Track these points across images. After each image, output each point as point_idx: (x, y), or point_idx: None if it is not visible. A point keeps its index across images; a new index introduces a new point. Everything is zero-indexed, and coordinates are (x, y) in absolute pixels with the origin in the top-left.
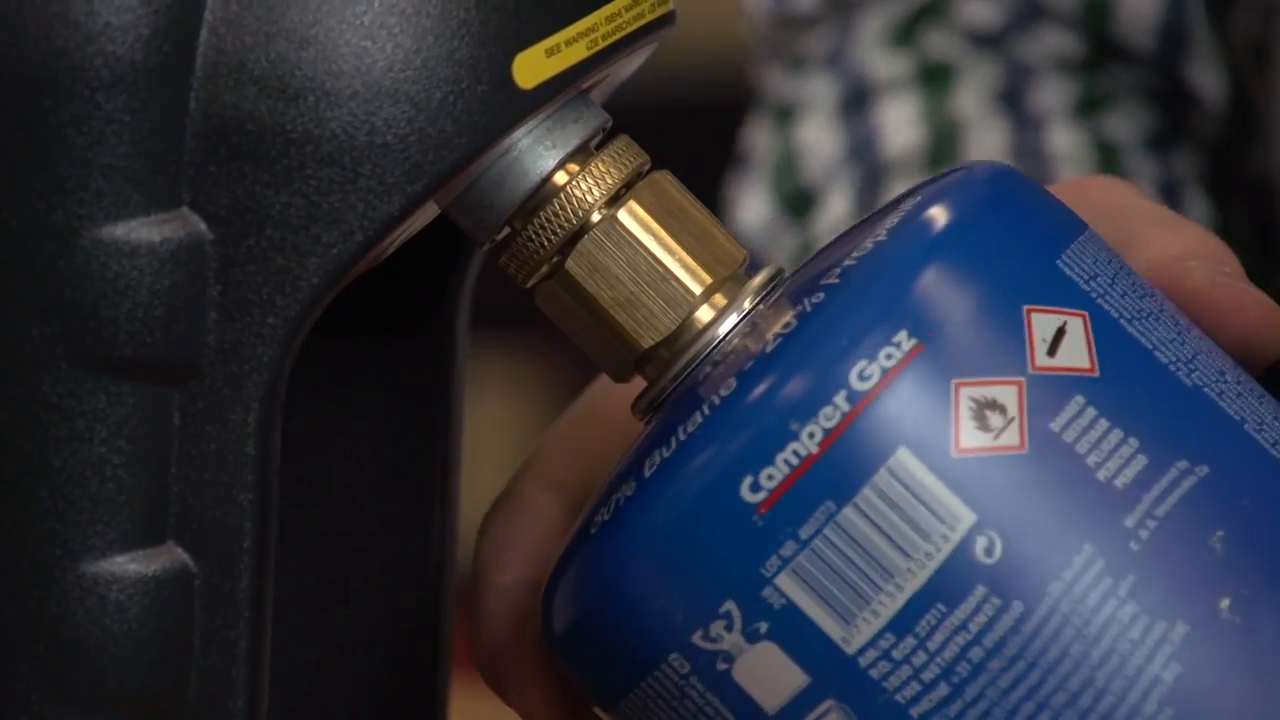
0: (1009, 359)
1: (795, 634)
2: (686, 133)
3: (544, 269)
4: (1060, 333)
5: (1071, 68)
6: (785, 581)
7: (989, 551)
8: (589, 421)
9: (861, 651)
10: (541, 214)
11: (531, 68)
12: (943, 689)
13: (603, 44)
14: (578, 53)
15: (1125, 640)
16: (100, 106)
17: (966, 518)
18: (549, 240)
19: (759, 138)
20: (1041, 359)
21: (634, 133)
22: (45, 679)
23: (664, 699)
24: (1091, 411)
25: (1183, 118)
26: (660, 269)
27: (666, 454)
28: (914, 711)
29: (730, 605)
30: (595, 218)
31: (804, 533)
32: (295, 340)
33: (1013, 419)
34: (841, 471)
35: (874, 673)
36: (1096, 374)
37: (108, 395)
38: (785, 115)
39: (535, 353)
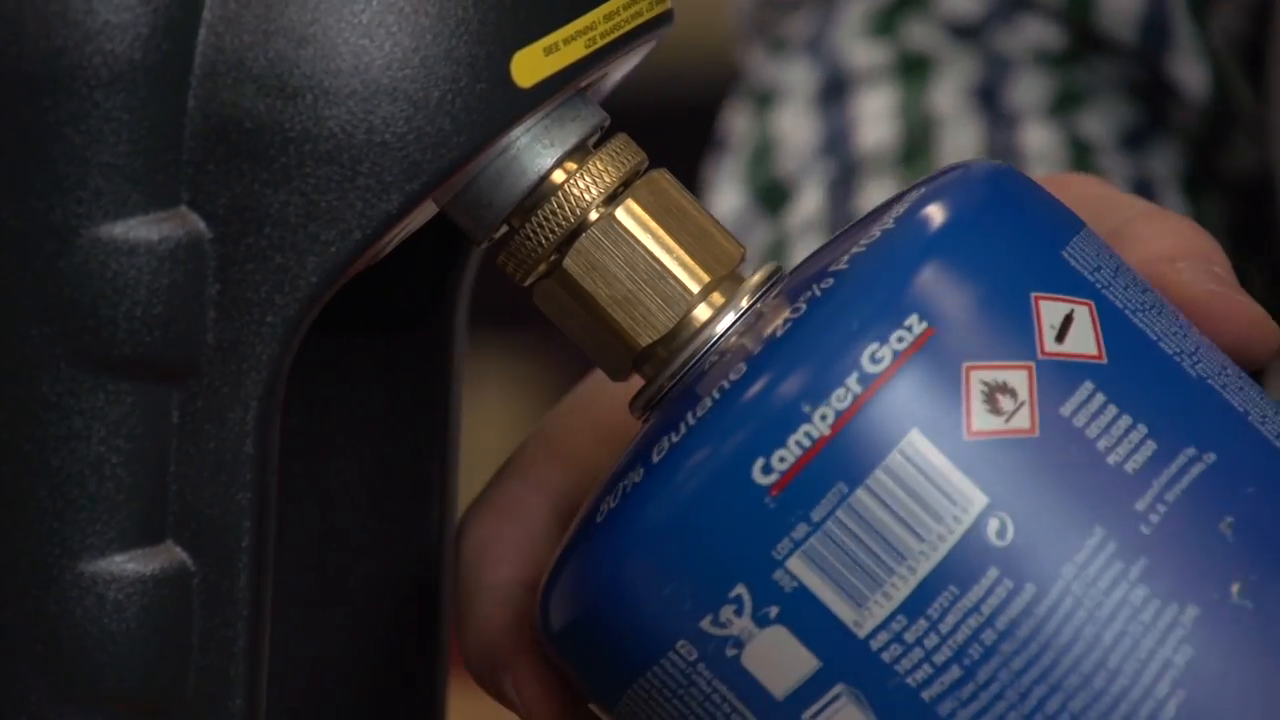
0: (1019, 344)
1: (806, 618)
2: (684, 131)
3: (542, 267)
4: (1068, 320)
5: (1051, 61)
6: (796, 564)
7: (1001, 534)
8: (574, 422)
9: (873, 634)
10: (539, 212)
11: (530, 66)
12: (955, 671)
13: (601, 42)
14: (576, 51)
15: (1137, 623)
16: (99, 105)
17: (978, 500)
18: (547, 238)
19: (737, 122)
20: (1050, 345)
21: (632, 131)
22: (44, 678)
23: (670, 689)
24: (1101, 397)
25: (1163, 111)
26: (658, 267)
27: (676, 439)
28: (926, 695)
29: (741, 589)
30: (593, 216)
31: (816, 515)
32: (294, 339)
33: (1023, 403)
34: (853, 453)
35: (885, 656)
36: (1104, 361)
37: (106, 394)
38: (764, 101)
39: (533, 351)
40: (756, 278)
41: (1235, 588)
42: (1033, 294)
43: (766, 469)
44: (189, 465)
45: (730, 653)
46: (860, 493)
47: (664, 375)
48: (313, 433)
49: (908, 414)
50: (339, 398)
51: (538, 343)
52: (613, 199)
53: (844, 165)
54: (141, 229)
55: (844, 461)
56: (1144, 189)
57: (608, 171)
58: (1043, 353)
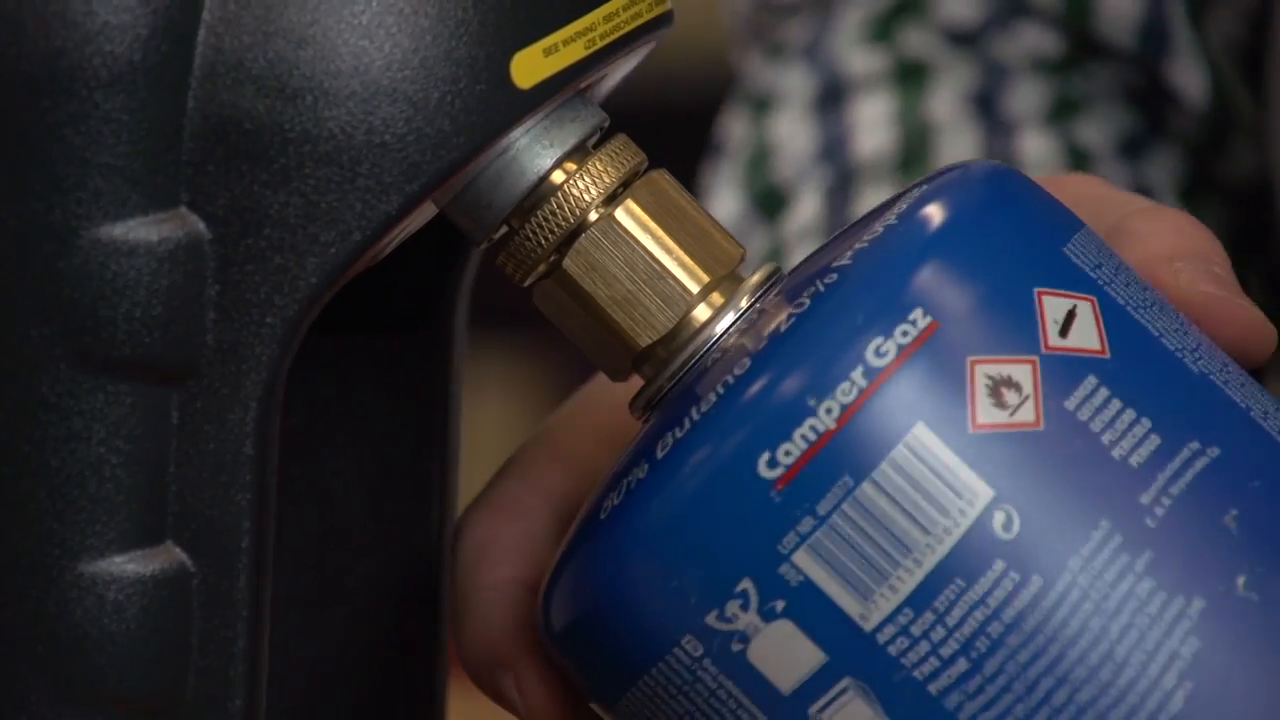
0: (1022, 338)
1: (812, 612)
2: (684, 132)
3: (541, 268)
4: (1071, 315)
5: (1048, 68)
6: (802, 558)
7: (1007, 527)
8: (575, 425)
9: (879, 628)
10: (539, 213)
11: (529, 67)
12: (962, 664)
13: (600, 43)
14: (575, 52)
15: (1144, 615)
16: (98, 106)
17: (984, 493)
18: (546, 239)
19: (735, 127)
20: (1054, 339)
21: (631, 132)
22: (44, 678)
23: (674, 686)
24: (1104, 391)
25: (1161, 118)
26: (657, 268)
27: (679, 435)
28: (932, 688)
29: (747, 583)
30: (593, 216)
31: (821, 509)
32: (293, 340)
33: (1028, 397)
34: (859, 447)
35: (892, 649)
36: (1107, 356)
37: (106, 395)
38: (761, 106)
39: (533, 352)
40: (756, 278)
41: (1241, 580)
42: (1035, 289)
43: (772, 463)
44: (189, 466)
45: (736, 648)
46: (866, 486)
47: (664, 375)
48: (312, 433)
49: (913, 408)
50: (339, 398)
51: (537, 344)
52: (612, 199)
53: (841, 172)
54: (141, 230)
55: (849, 455)
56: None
57: (607, 172)
58: (1046, 347)
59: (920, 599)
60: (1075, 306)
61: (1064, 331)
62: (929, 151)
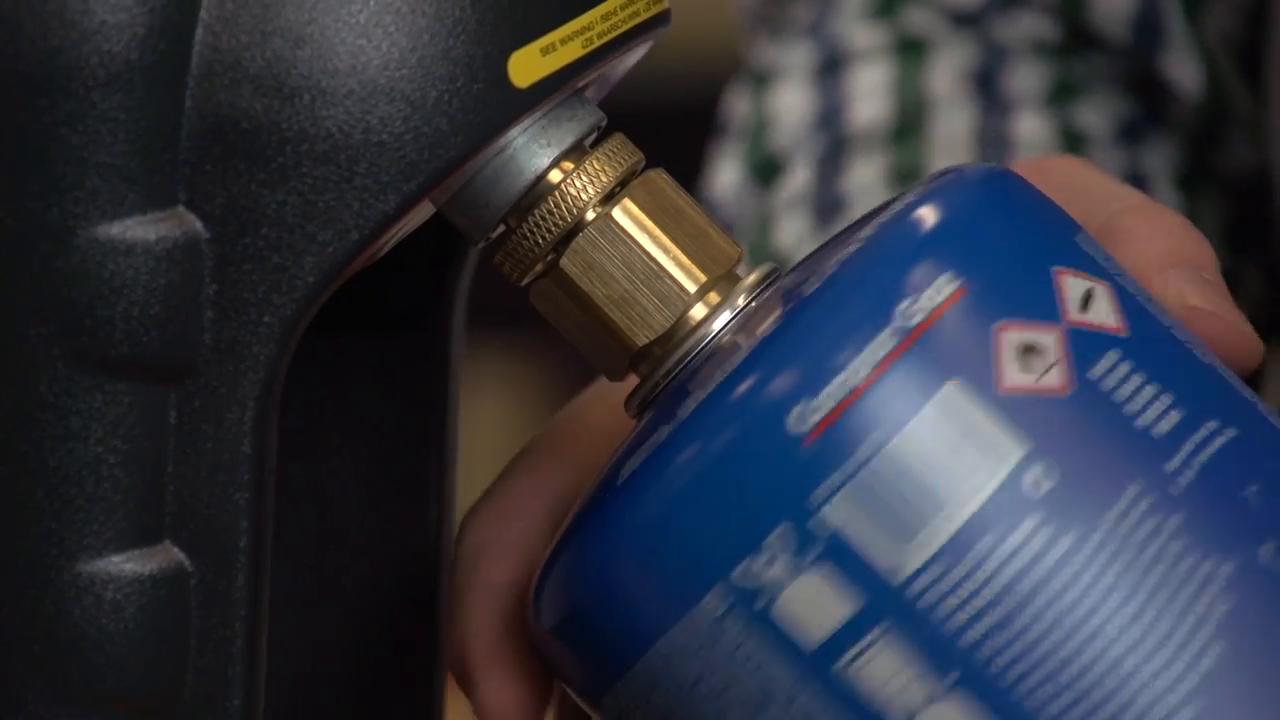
0: (1046, 309)
1: (843, 564)
2: (681, 131)
3: (539, 267)
4: (1089, 295)
5: (1049, 52)
6: (833, 510)
7: (1037, 485)
8: (578, 425)
9: (910, 580)
10: (536, 212)
11: (527, 66)
12: (991, 619)
13: (598, 42)
14: (573, 51)
15: (1175, 574)
16: (96, 105)
17: (1016, 450)
18: (544, 238)
19: (738, 105)
20: (1075, 314)
21: (629, 131)
22: (42, 678)
23: (688, 651)
24: (1126, 366)
25: (1159, 108)
26: (655, 267)
27: (704, 395)
28: (961, 642)
29: (775, 537)
30: (590, 216)
31: (852, 463)
32: (291, 339)
33: (1053, 363)
34: (890, 403)
35: (923, 602)
36: (1127, 335)
37: (104, 394)
38: (763, 81)
39: (531, 352)
40: (753, 277)
41: (1265, 549)
42: (1053, 268)
43: (802, 418)
44: (186, 465)
45: (761, 603)
46: (897, 442)
47: (659, 373)
48: (310, 433)
49: (943, 366)
50: (336, 398)
51: (535, 343)
52: (609, 199)
53: (834, 140)
54: (138, 229)
55: (880, 411)
56: (1137, 183)
57: (604, 171)
58: (1068, 320)
59: (951, 552)
60: (1092, 288)
61: (1084, 308)
62: (924, 124)
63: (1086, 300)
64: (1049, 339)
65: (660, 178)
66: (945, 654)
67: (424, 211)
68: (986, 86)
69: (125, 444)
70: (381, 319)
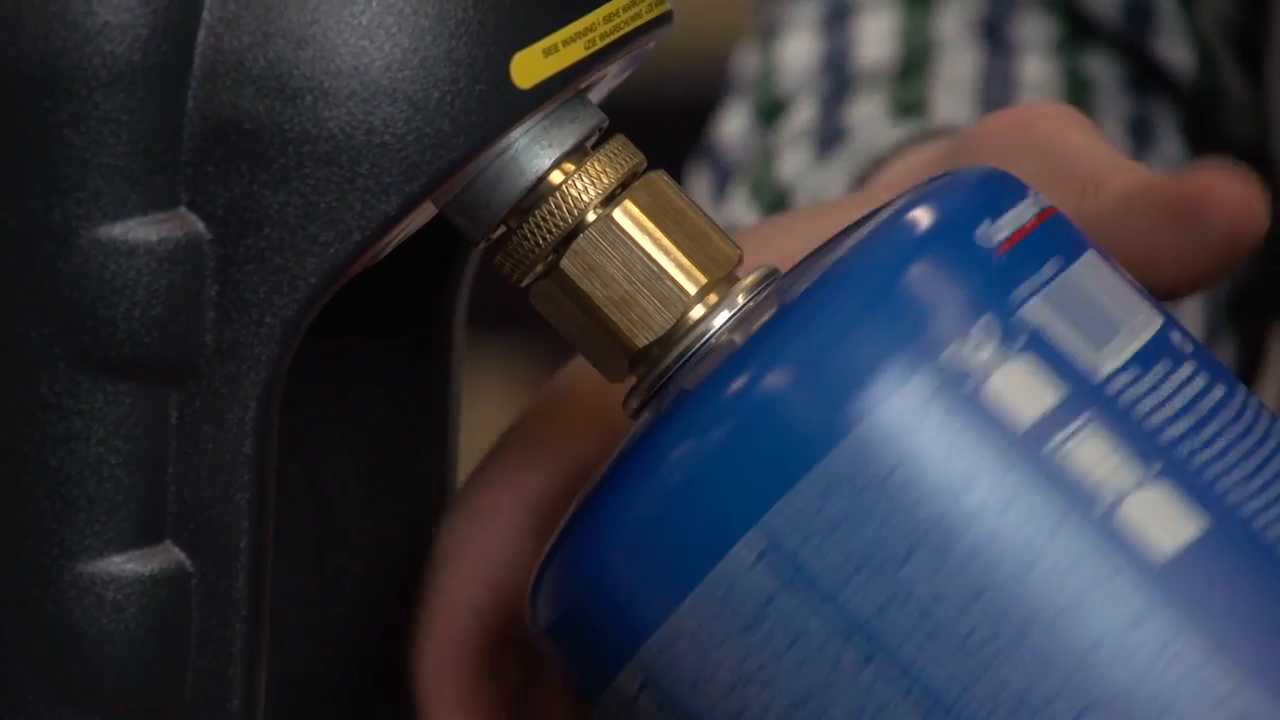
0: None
1: (1046, 356)
2: (682, 133)
3: (539, 268)
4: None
5: (1057, 4)
6: (1031, 311)
7: (1183, 344)
8: (550, 417)
9: (1108, 380)
10: (537, 213)
11: (529, 67)
12: (1185, 423)
13: (600, 44)
14: (575, 52)
15: None
16: (98, 106)
17: (1158, 316)
18: (544, 239)
19: (746, 60)
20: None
21: (630, 133)
22: (42, 678)
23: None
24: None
25: (1159, 81)
26: (655, 268)
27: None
28: (1162, 437)
29: (981, 325)
30: (591, 217)
31: (1043, 274)
32: (293, 340)
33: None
34: (1061, 236)
35: (1123, 400)
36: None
37: (105, 395)
38: (770, 35)
39: (532, 353)
40: (751, 278)
41: None
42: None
43: (987, 236)
44: (187, 466)
45: (970, 386)
46: (1080, 263)
47: (656, 371)
48: (311, 433)
49: (1078, 238)
50: (337, 399)
51: (536, 344)
52: (610, 200)
53: (839, 80)
54: (141, 230)
55: (1055, 239)
56: (1143, 127)
57: (606, 173)
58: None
59: (1139, 364)
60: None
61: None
62: (929, 65)
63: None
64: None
65: (661, 179)
66: (1149, 446)
67: (426, 212)
68: (994, 32)
69: (126, 444)
70: (383, 320)
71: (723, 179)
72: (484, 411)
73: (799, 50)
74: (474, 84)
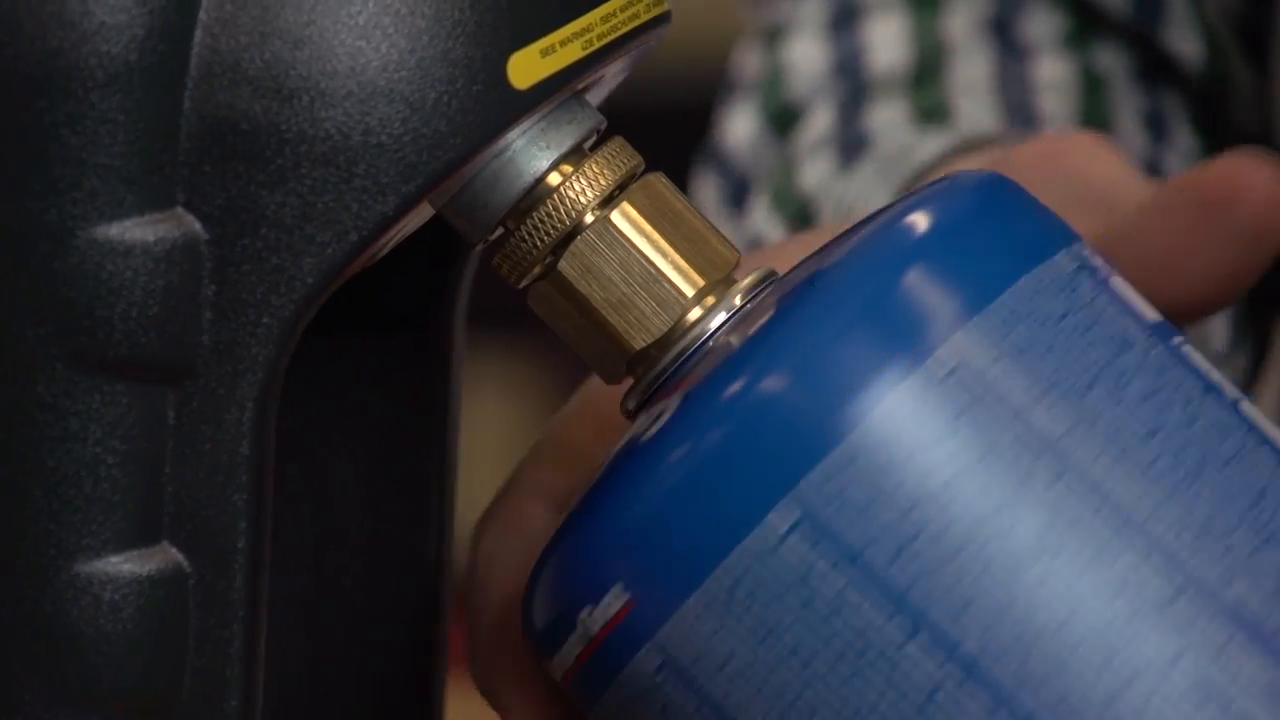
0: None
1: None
2: (680, 134)
3: (537, 270)
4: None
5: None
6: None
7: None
8: (579, 424)
9: None
10: (535, 214)
11: (526, 68)
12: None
13: (598, 44)
14: (573, 53)
15: None
16: (95, 106)
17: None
18: (542, 241)
19: (748, 60)
20: None
21: (627, 133)
22: (39, 679)
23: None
24: None
25: (1167, 72)
26: (653, 271)
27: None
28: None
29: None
30: (588, 219)
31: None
32: (290, 340)
33: None
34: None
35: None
36: None
37: (102, 395)
38: (775, 36)
39: (531, 353)
40: (749, 280)
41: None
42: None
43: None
44: (185, 466)
45: (1103, 275)
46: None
47: (653, 373)
48: (310, 434)
49: None
50: (336, 399)
51: (536, 345)
52: (608, 202)
53: (855, 86)
54: (137, 230)
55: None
56: (1157, 121)
57: (603, 174)
58: None
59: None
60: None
61: None
62: (942, 70)
63: None
64: None
65: (659, 181)
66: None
67: (423, 213)
68: (1003, 33)
69: (124, 444)
70: (382, 320)
71: (734, 186)
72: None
73: (807, 53)
74: (471, 84)
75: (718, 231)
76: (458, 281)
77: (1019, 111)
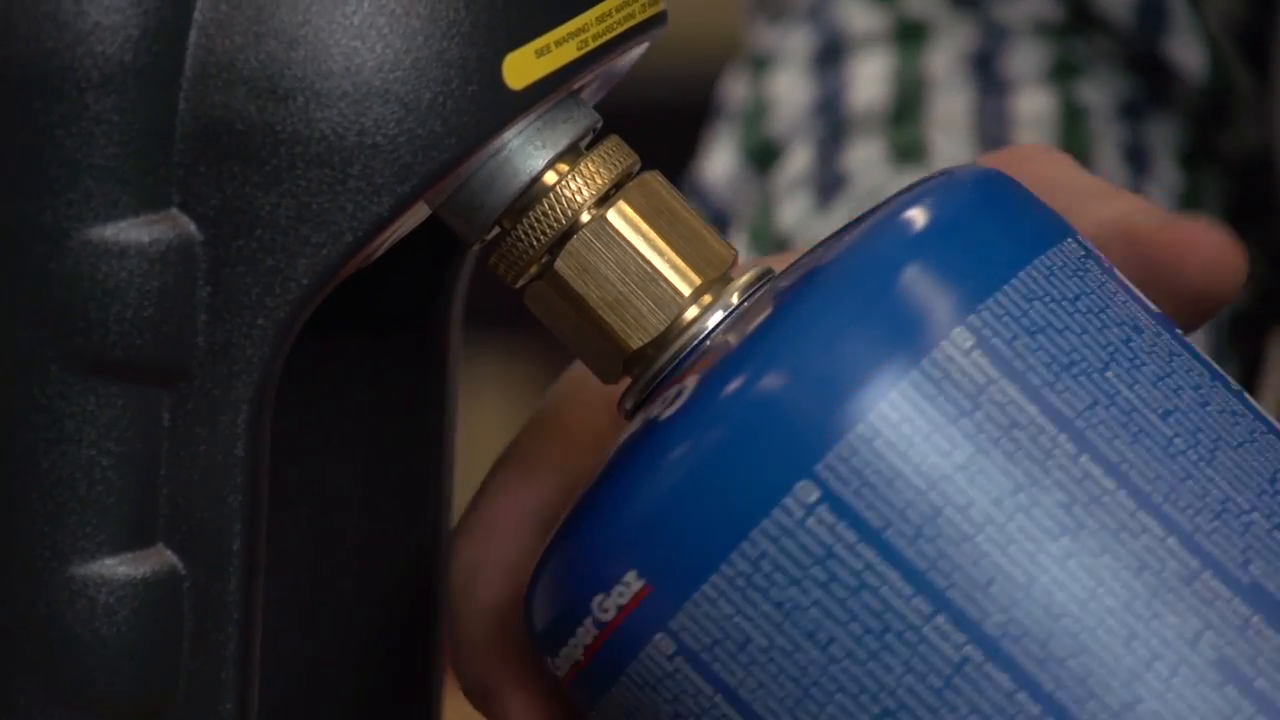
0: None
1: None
2: (676, 133)
3: (533, 269)
4: None
5: (1050, 31)
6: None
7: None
8: (548, 432)
9: None
10: (531, 214)
11: (521, 68)
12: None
13: (593, 44)
14: (568, 53)
15: None
16: (89, 107)
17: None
18: (538, 240)
19: (735, 88)
20: None
21: (624, 132)
22: (34, 681)
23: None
24: None
25: (1163, 89)
26: (649, 270)
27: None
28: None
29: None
30: (585, 218)
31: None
32: (285, 341)
33: None
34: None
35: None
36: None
37: (97, 397)
38: (760, 65)
39: (529, 354)
40: (746, 278)
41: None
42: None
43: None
44: (180, 468)
45: (1107, 265)
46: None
47: (651, 371)
48: (306, 435)
49: None
50: (332, 400)
51: (533, 345)
52: (604, 201)
53: (834, 124)
54: (132, 231)
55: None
56: (1139, 156)
57: (599, 173)
58: None
59: None
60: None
61: None
62: (921, 106)
63: None
64: None
65: (655, 180)
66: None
67: (419, 213)
68: (985, 68)
69: (118, 447)
70: (378, 320)
71: (712, 221)
72: (481, 412)
73: (790, 89)
74: (466, 85)
75: (714, 230)
76: (454, 281)
77: (996, 146)
